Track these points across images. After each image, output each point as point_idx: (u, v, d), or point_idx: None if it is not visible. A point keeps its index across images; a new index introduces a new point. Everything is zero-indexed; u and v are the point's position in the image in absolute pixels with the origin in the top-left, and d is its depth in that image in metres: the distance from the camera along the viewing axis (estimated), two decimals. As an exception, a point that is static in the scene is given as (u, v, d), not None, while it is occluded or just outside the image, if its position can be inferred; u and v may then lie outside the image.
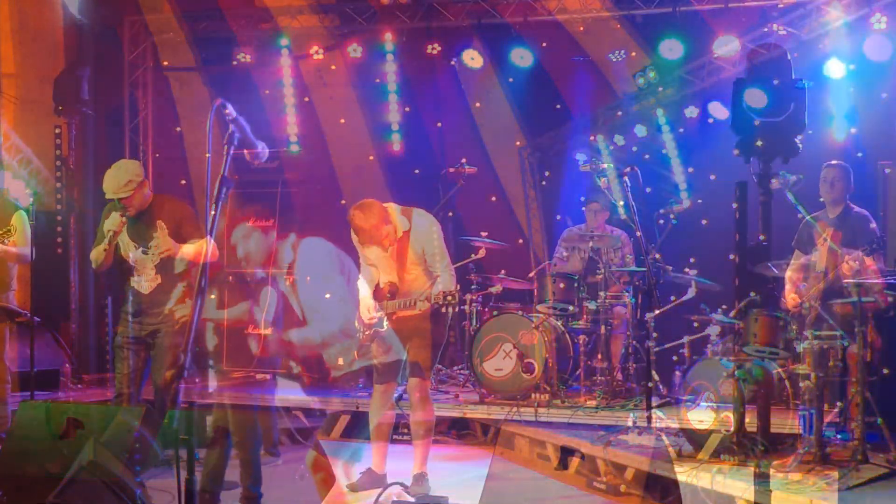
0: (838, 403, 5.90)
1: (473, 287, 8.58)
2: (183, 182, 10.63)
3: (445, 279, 5.81)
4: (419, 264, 5.87)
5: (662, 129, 9.59)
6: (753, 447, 5.67)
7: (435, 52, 10.01)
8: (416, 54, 10.17)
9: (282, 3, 10.19)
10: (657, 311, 6.74)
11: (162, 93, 10.68)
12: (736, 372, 5.86)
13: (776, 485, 5.12)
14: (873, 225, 6.47)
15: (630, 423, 6.56)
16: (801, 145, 7.82)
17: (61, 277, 9.37)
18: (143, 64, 10.48)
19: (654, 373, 7.30)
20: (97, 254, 6.06)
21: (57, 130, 9.51)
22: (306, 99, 10.81)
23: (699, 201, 9.10)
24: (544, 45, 9.92)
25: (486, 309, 8.53)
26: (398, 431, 6.83)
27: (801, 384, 5.68)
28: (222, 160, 3.75)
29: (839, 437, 5.85)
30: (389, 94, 10.49)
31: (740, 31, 8.74)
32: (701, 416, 5.99)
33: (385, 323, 5.88)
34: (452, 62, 10.22)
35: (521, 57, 9.83)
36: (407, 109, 10.69)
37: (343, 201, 10.59)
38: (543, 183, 10.84)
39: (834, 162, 6.63)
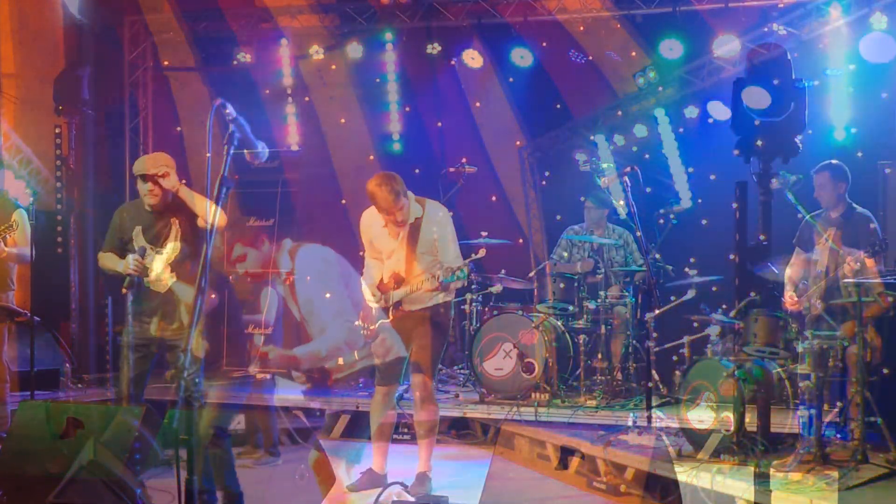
0: (838, 403, 5.89)
1: (473, 287, 8.58)
2: (183, 182, 10.61)
3: (453, 260, 5.79)
4: (428, 254, 5.84)
5: (662, 130, 9.59)
6: (753, 447, 5.67)
7: (435, 52, 10.01)
8: (416, 54, 10.17)
9: (282, 3, 10.19)
10: (657, 311, 6.74)
11: (162, 93, 10.68)
12: (736, 372, 5.86)
13: (776, 485, 5.12)
14: (874, 225, 6.47)
15: (630, 423, 6.55)
16: (801, 145, 7.83)
17: (61, 277, 9.37)
18: (143, 64, 10.48)
19: (654, 373, 7.31)
20: (104, 261, 6.14)
21: (57, 130, 9.50)
22: (306, 99, 10.80)
23: (699, 201, 9.10)
24: (544, 45, 9.92)
25: (486, 309, 8.53)
26: (399, 431, 6.83)
27: (800, 384, 5.68)
28: (222, 160, 3.75)
29: (839, 437, 5.84)
30: (389, 94, 10.49)
31: (740, 31, 8.73)
32: (701, 416, 5.99)
33: (389, 313, 5.84)
34: (452, 62, 10.22)
35: (521, 57, 9.83)
36: (407, 109, 10.68)
37: (343, 201, 10.60)
38: (543, 183, 10.83)
39: (823, 164, 6.59)
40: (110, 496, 4.78)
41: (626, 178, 6.49)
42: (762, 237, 8.40)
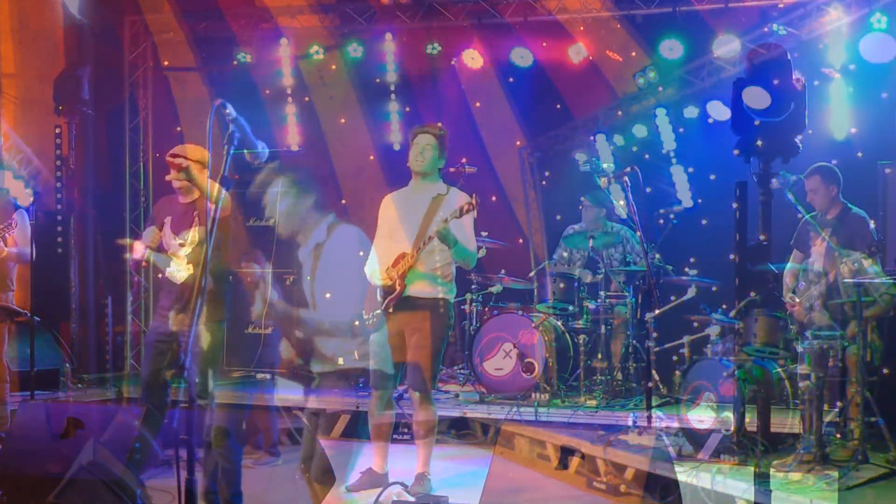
0: (838, 403, 5.89)
1: (473, 287, 8.58)
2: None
3: (466, 237, 5.76)
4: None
5: (662, 129, 9.59)
6: (753, 447, 5.67)
7: (435, 52, 10.01)
8: (416, 54, 10.17)
9: (282, 3, 10.19)
10: (657, 311, 6.74)
11: (162, 93, 10.68)
12: (736, 372, 5.86)
13: (776, 485, 5.12)
14: (872, 226, 6.47)
15: (630, 423, 6.56)
16: (801, 145, 7.82)
17: (61, 277, 9.37)
18: (143, 64, 10.48)
19: (654, 373, 7.31)
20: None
21: (57, 130, 9.50)
22: (306, 99, 10.80)
23: (699, 201, 9.10)
24: (544, 45, 9.92)
25: (486, 309, 8.54)
26: (398, 431, 6.82)
27: (800, 384, 5.68)
28: (222, 160, 3.76)
29: (839, 437, 5.84)
30: (389, 94, 10.49)
31: (740, 31, 8.73)
32: (701, 416, 5.99)
33: (396, 286, 5.78)
34: (452, 62, 10.22)
35: (521, 57, 9.83)
36: (407, 109, 10.68)
37: (343, 201, 10.59)
38: (543, 183, 10.83)
39: (813, 167, 6.58)
40: (110, 496, 4.78)
41: (626, 178, 6.49)
42: (762, 237, 8.39)
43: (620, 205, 7.53)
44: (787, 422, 6.14)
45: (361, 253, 5.96)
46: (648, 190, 8.42)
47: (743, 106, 7.92)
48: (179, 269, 5.97)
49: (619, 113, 10.11)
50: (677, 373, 7.17)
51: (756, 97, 7.99)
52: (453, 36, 10.02)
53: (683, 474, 5.54)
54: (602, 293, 7.85)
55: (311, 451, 5.49)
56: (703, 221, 9.09)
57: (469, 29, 9.88)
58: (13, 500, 4.99)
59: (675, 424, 6.26)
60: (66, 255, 9.42)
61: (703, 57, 9.13)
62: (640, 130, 9.79)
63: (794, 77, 6.91)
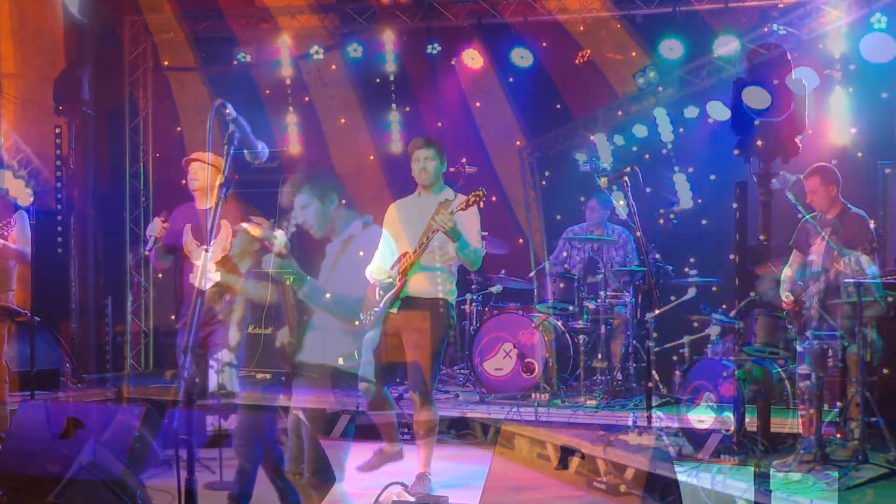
0: (838, 403, 5.89)
1: (473, 287, 8.58)
2: (183, 182, 10.60)
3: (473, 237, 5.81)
4: (444, 243, 5.78)
5: (662, 129, 9.58)
6: (753, 447, 5.67)
7: (435, 52, 10.01)
8: (416, 54, 10.17)
9: (282, 3, 10.19)
10: (657, 311, 6.74)
11: (162, 93, 10.68)
12: (736, 372, 5.86)
13: (776, 485, 5.11)
14: (872, 225, 6.47)
15: (630, 423, 6.55)
16: (801, 145, 7.82)
17: (61, 277, 9.37)
18: (143, 64, 10.48)
19: (654, 373, 7.31)
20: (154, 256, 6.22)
21: (57, 130, 9.50)
22: (306, 99, 10.80)
23: (699, 201, 9.10)
24: (544, 45, 9.92)
25: (486, 309, 8.54)
26: (398, 431, 6.82)
27: (800, 384, 5.68)
28: (222, 160, 3.75)
29: (839, 437, 5.84)
30: (389, 94, 10.49)
31: (740, 31, 8.73)
32: (701, 416, 5.99)
33: (397, 279, 5.77)
34: (452, 62, 10.22)
35: (521, 57, 9.83)
36: (407, 109, 10.68)
37: (343, 201, 10.57)
38: (543, 183, 10.83)
39: (812, 168, 6.56)
40: (110, 496, 4.78)
41: (626, 178, 6.49)
42: (762, 237, 8.39)
43: (620, 205, 7.54)
44: (787, 422, 6.14)
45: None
46: (648, 190, 8.43)
47: (743, 106, 7.92)
48: (205, 277, 6.01)
49: (619, 113, 10.11)
50: (677, 373, 7.18)
51: (756, 97, 7.99)
52: (453, 36, 10.02)
53: (683, 474, 5.53)
54: (602, 293, 7.84)
55: (299, 451, 5.47)
56: (703, 221, 9.10)
57: (469, 29, 9.88)
58: (13, 500, 4.99)
59: (675, 424, 6.25)
60: (66, 255, 9.42)
61: (703, 57, 9.13)
62: (640, 130, 9.79)
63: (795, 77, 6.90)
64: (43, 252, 8.31)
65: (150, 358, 10.33)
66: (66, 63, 9.62)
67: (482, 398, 7.83)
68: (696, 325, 7.50)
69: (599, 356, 7.81)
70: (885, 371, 6.11)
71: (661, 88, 9.55)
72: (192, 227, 6.14)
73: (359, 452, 6.23)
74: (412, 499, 5.66)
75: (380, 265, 5.88)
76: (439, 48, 9.99)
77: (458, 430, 7.85)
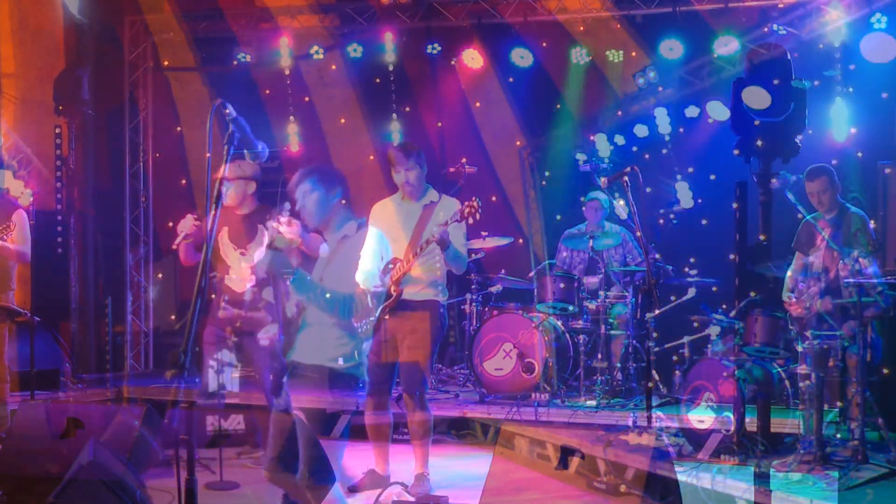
0: (838, 403, 5.89)
1: (473, 287, 8.57)
2: (183, 182, 10.65)
3: (460, 242, 5.80)
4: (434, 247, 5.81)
5: (662, 129, 9.59)
6: (753, 447, 5.67)
7: (435, 52, 10.01)
8: (416, 54, 10.17)
9: (282, 3, 10.19)
10: (657, 311, 6.74)
11: (162, 93, 10.68)
12: (736, 372, 5.86)
13: (776, 485, 5.11)
14: (871, 225, 6.47)
15: (630, 423, 6.55)
16: (800, 145, 7.82)
17: (61, 277, 9.37)
18: (143, 64, 10.48)
19: (654, 373, 7.31)
20: (180, 251, 6.40)
21: (57, 130, 9.50)
22: (306, 99, 10.80)
23: (699, 201, 9.09)
24: (544, 45, 9.92)
25: (486, 309, 8.53)
26: (398, 431, 6.82)
27: (800, 384, 5.68)
28: (222, 160, 3.75)
29: (839, 437, 5.84)
30: (389, 94, 10.49)
31: (740, 31, 8.73)
32: (701, 416, 5.99)
33: (392, 290, 5.79)
34: (452, 62, 10.22)
35: (521, 57, 9.83)
36: (407, 109, 10.68)
37: (343, 201, 10.57)
38: (543, 183, 10.83)
39: (816, 168, 6.55)
40: (110, 496, 4.78)
41: (626, 178, 6.49)
42: (762, 237, 8.39)
43: (620, 205, 7.53)
44: (787, 422, 6.14)
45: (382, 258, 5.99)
46: (648, 190, 8.43)
47: (743, 106, 7.92)
48: (241, 279, 6.19)
49: (619, 113, 10.11)
50: (677, 373, 7.17)
51: (756, 97, 7.99)
52: (453, 36, 10.02)
53: (683, 474, 5.53)
54: (602, 293, 7.84)
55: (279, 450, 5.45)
56: (703, 221, 9.10)
57: (469, 29, 9.88)
58: (13, 500, 4.99)
59: (675, 424, 6.25)
60: (66, 255, 9.42)
61: (703, 57, 9.13)
62: (640, 130, 9.79)
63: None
64: (43, 252, 8.30)
65: (150, 358, 10.32)
66: (66, 63, 9.62)
67: (482, 398, 7.83)
68: (696, 325, 7.49)
69: (599, 356, 7.80)
70: (885, 371, 6.11)
71: (661, 88, 9.55)
72: (229, 230, 6.28)
73: (358, 453, 6.25)
74: (412, 499, 5.67)
75: (370, 270, 5.89)
76: (439, 48, 9.99)
77: (458, 430, 7.85)
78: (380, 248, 5.96)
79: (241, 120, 3.77)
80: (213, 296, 6.73)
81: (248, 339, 6.54)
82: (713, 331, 6.77)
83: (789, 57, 7.74)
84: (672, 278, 7.94)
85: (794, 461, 5.46)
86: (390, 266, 5.85)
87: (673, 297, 7.67)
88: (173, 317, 10.59)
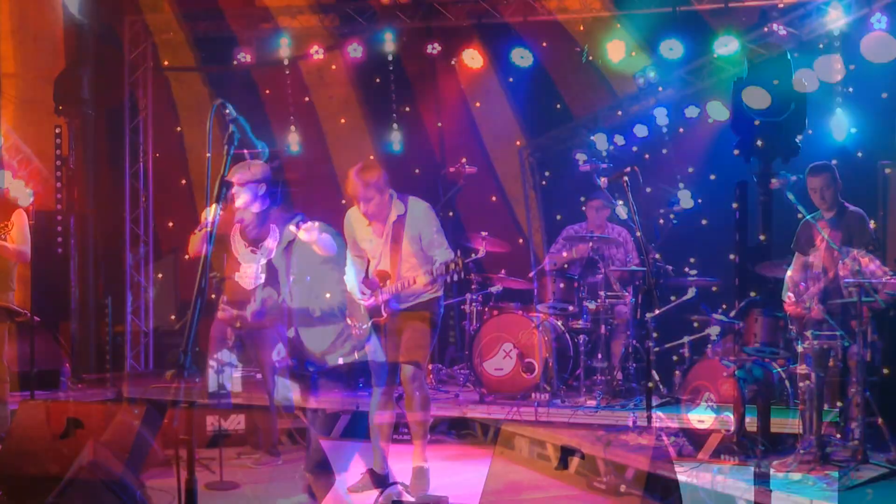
0: (838, 403, 5.89)
1: (473, 287, 8.57)
2: (183, 182, 10.65)
3: (444, 254, 5.74)
4: (416, 254, 5.81)
5: (662, 129, 9.59)
6: (753, 447, 5.67)
7: (435, 52, 10.00)
8: (416, 54, 10.17)
9: (282, 3, 10.19)
10: (657, 311, 6.74)
11: (162, 93, 10.68)
12: (736, 372, 5.86)
13: (776, 485, 5.12)
14: (871, 224, 6.47)
15: (630, 423, 6.56)
16: (800, 145, 7.82)
17: (61, 277, 9.36)
18: (143, 64, 10.47)
19: (654, 373, 7.31)
20: (194, 239, 6.54)
21: (57, 130, 9.50)
22: (306, 99, 10.80)
23: (699, 201, 9.09)
24: (544, 45, 9.92)
25: (486, 309, 8.53)
26: (398, 431, 6.83)
27: (800, 384, 5.68)
28: (222, 160, 3.75)
29: (839, 437, 5.85)
30: (389, 94, 10.49)
31: (740, 31, 8.72)
32: (701, 416, 5.99)
33: (382, 310, 5.83)
34: (452, 62, 10.21)
35: (521, 57, 9.82)
36: (407, 109, 10.68)
37: (343, 201, 10.57)
38: (543, 183, 10.83)
39: (817, 166, 6.55)
40: (110, 496, 4.78)
41: (626, 178, 6.49)
42: (762, 237, 8.39)
43: (620, 204, 7.54)
44: (787, 422, 6.14)
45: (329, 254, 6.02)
46: (648, 190, 8.43)
47: (743, 106, 7.93)
48: (250, 277, 6.28)
49: (619, 113, 10.11)
50: (677, 373, 7.17)
51: (756, 97, 8.00)
52: (453, 36, 10.01)
53: (683, 474, 5.54)
54: (602, 293, 7.84)
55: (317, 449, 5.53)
56: (703, 221, 9.09)
57: (469, 29, 9.87)
58: (13, 500, 4.99)
59: (675, 424, 6.25)
60: (66, 255, 9.42)
61: (703, 57, 9.12)
62: (640, 130, 9.79)
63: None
64: (43, 252, 8.30)
65: (150, 358, 10.32)
66: (66, 63, 9.62)
67: (482, 398, 7.83)
68: (696, 325, 7.49)
69: (599, 356, 7.80)
70: (886, 371, 6.11)
71: (661, 88, 9.55)
72: (241, 228, 6.34)
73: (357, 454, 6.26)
74: (412, 499, 5.67)
75: (354, 283, 5.92)
76: (439, 48, 9.98)
77: (458, 430, 7.86)
78: (361, 259, 5.99)
79: (241, 120, 3.78)
80: (213, 296, 6.75)
81: (250, 338, 6.59)
82: (713, 331, 6.77)
83: (789, 57, 7.74)
84: (672, 278, 7.94)
85: (794, 461, 5.46)
86: (377, 279, 5.86)
87: (673, 297, 7.67)
88: (173, 317, 10.59)
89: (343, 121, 10.91)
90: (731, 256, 8.60)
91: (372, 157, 10.73)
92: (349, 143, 10.88)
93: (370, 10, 9.97)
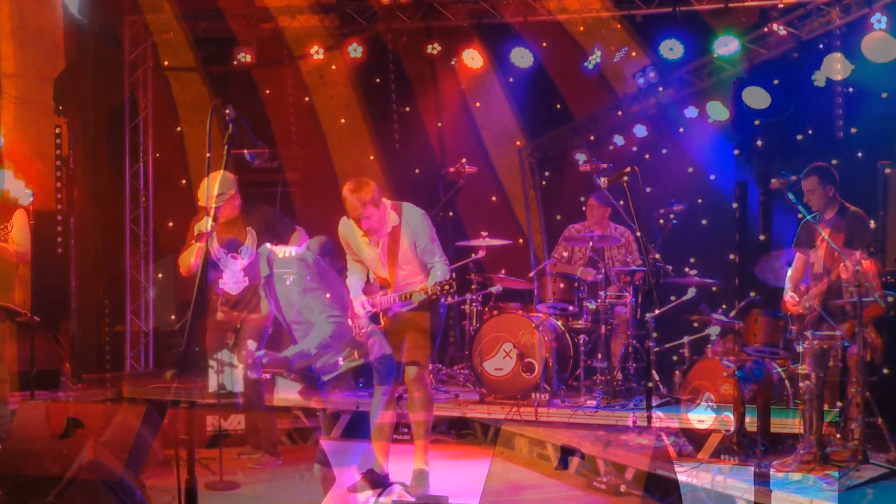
0: (838, 403, 5.89)
1: (473, 287, 8.57)
2: (183, 182, 10.64)
3: (441, 269, 5.74)
4: (412, 261, 5.82)
5: (662, 129, 9.58)
6: (753, 447, 5.67)
7: (435, 52, 10.00)
8: (416, 54, 10.17)
9: (282, 3, 10.19)
10: (657, 311, 6.74)
11: (162, 93, 10.68)
12: (736, 372, 5.86)
13: (776, 485, 5.12)
14: (871, 224, 6.47)
15: (630, 423, 6.56)
16: (801, 145, 7.83)
17: (61, 277, 9.36)
18: (143, 64, 10.47)
19: (654, 373, 7.31)
20: (185, 257, 6.53)
21: (57, 130, 9.50)
22: (306, 99, 10.80)
23: (699, 201, 9.10)
24: (544, 45, 9.92)
25: (486, 309, 8.53)
26: (398, 431, 6.82)
27: (801, 384, 5.68)
28: (222, 160, 3.76)
29: (839, 437, 5.84)
30: (389, 94, 10.48)
31: (740, 31, 8.73)
32: (701, 416, 5.99)
33: (381, 318, 5.86)
34: (452, 62, 10.22)
35: (521, 57, 9.83)
36: (407, 109, 10.68)
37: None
38: (543, 183, 10.83)
39: (809, 168, 6.56)
40: (110, 496, 4.78)
41: (626, 179, 6.49)
42: (762, 237, 8.40)
43: (620, 205, 7.54)
44: (787, 422, 6.14)
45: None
46: (648, 190, 8.43)
47: (743, 106, 7.94)
48: (235, 282, 6.32)
49: (619, 113, 10.11)
50: (677, 373, 7.17)
51: (756, 97, 8.01)
52: (453, 36, 10.02)
53: (683, 474, 5.54)
54: (602, 293, 7.84)
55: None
56: (703, 221, 9.10)
57: (469, 29, 9.88)
58: (13, 500, 4.99)
59: (675, 424, 6.25)
60: (66, 255, 9.42)
61: (703, 57, 9.13)
62: (640, 130, 9.79)
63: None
64: (43, 252, 8.29)
65: (150, 358, 10.32)
66: (66, 63, 9.62)
67: (482, 398, 7.83)
68: (696, 325, 7.49)
69: (599, 356, 7.80)
70: (886, 371, 6.11)
71: (661, 88, 9.55)
72: (218, 235, 6.36)
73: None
74: (412, 499, 5.67)
75: (356, 293, 5.93)
76: (439, 48, 9.99)
77: (458, 430, 7.86)
78: (360, 265, 6.00)
79: (241, 120, 3.78)
80: (213, 297, 6.77)
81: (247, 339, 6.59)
82: (713, 331, 6.77)
83: (789, 57, 7.75)
84: (672, 278, 7.94)
85: (794, 461, 5.46)
86: (377, 285, 5.88)
87: (673, 297, 7.66)
88: (173, 317, 10.59)
89: (343, 121, 10.91)
90: (731, 256, 8.61)
91: (372, 158, 10.75)
92: (349, 143, 10.88)
93: (370, 10, 9.97)
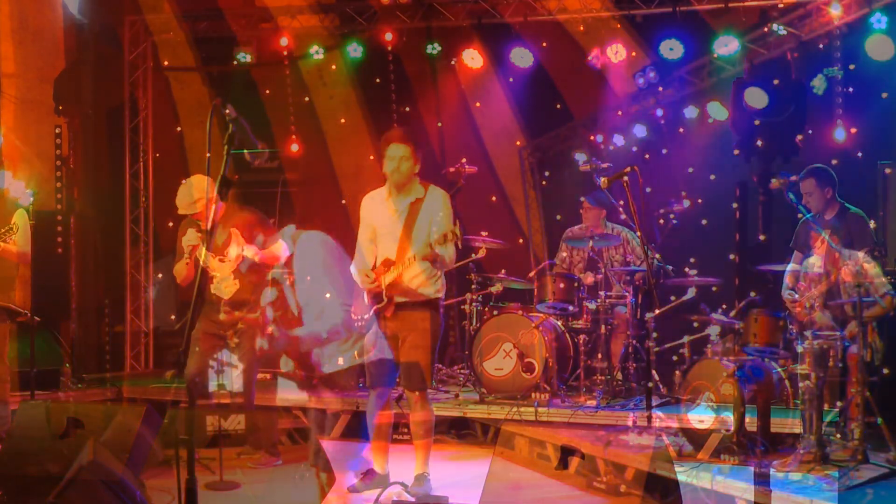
0: (838, 403, 5.89)
1: (473, 287, 8.57)
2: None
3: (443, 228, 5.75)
4: (422, 240, 5.76)
5: (662, 129, 9.58)
6: (753, 447, 5.67)
7: (435, 52, 10.01)
8: (416, 54, 10.17)
9: (282, 3, 10.19)
10: (657, 311, 6.73)
11: (162, 93, 10.68)
12: (736, 372, 5.86)
13: (776, 485, 5.12)
14: (872, 225, 6.47)
15: (630, 423, 6.55)
16: (801, 145, 7.83)
17: (61, 277, 9.36)
18: (143, 64, 10.48)
19: (654, 373, 7.31)
20: (179, 268, 6.53)
21: (57, 130, 9.50)
22: (306, 99, 10.80)
23: (699, 201, 9.09)
24: (544, 45, 9.92)
25: (486, 309, 8.53)
26: (398, 431, 6.83)
27: (801, 384, 5.68)
28: (222, 160, 3.76)
29: (839, 437, 5.85)
30: (389, 94, 10.49)
31: (740, 31, 8.73)
32: (701, 416, 5.99)
33: (383, 296, 5.81)
34: (452, 62, 10.22)
35: (521, 57, 9.83)
36: (407, 109, 10.68)
37: (343, 201, 10.59)
38: (543, 183, 10.83)
39: (807, 169, 6.56)
40: (110, 496, 4.78)
41: (626, 179, 6.49)
42: (762, 237, 8.40)
43: (620, 205, 7.54)
44: (787, 422, 6.14)
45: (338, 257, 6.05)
46: (648, 190, 8.42)
47: (743, 106, 7.94)
48: (226, 285, 6.32)
49: (619, 113, 10.11)
50: (677, 373, 7.17)
51: (756, 97, 8.01)
52: (453, 36, 10.02)
53: (683, 474, 5.54)
54: (602, 293, 7.84)
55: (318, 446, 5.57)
56: (703, 221, 9.09)
57: (469, 29, 9.88)
58: (13, 500, 4.99)
59: (675, 424, 6.25)
60: (66, 255, 9.42)
61: (703, 57, 9.13)
62: (640, 130, 9.79)
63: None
64: (43, 252, 8.29)
65: (150, 358, 10.32)
66: (66, 63, 9.63)
67: (482, 398, 7.83)
68: (696, 325, 7.49)
69: (599, 356, 7.80)
70: (886, 371, 6.11)
71: (661, 88, 9.55)
72: (201, 238, 6.33)
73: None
74: (412, 499, 5.67)
75: (362, 267, 5.91)
76: (439, 48, 9.99)
77: (458, 430, 7.85)
78: (370, 243, 5.98)
79: (241, 120, 3.79)
80: (214, 300, 6.76)
81: (246, 339, 6.60)
82: (713, 331, 6.77)
83: (789, 57, 7.75)
84: (672, 278, 7.94)
85: (794, 461, 5.46)
86: (382, 268, 5.85)
87: (673, 297, 7.67)
88: (173, 317, 10.59)
89: (343, 121, 10.91)
90: (731, 256, 8.61)
91: (372, 158, 10.74)
92: (349, 143, 10.88)
93: (370, 10, 9.98)
